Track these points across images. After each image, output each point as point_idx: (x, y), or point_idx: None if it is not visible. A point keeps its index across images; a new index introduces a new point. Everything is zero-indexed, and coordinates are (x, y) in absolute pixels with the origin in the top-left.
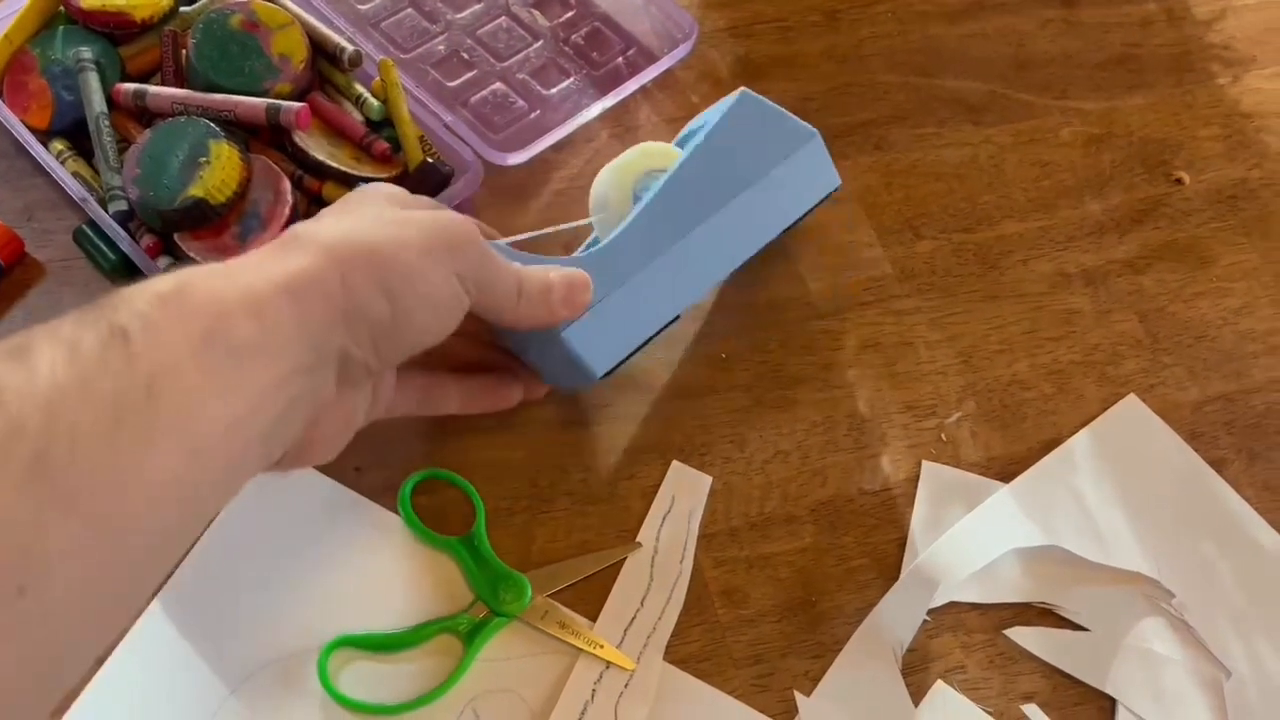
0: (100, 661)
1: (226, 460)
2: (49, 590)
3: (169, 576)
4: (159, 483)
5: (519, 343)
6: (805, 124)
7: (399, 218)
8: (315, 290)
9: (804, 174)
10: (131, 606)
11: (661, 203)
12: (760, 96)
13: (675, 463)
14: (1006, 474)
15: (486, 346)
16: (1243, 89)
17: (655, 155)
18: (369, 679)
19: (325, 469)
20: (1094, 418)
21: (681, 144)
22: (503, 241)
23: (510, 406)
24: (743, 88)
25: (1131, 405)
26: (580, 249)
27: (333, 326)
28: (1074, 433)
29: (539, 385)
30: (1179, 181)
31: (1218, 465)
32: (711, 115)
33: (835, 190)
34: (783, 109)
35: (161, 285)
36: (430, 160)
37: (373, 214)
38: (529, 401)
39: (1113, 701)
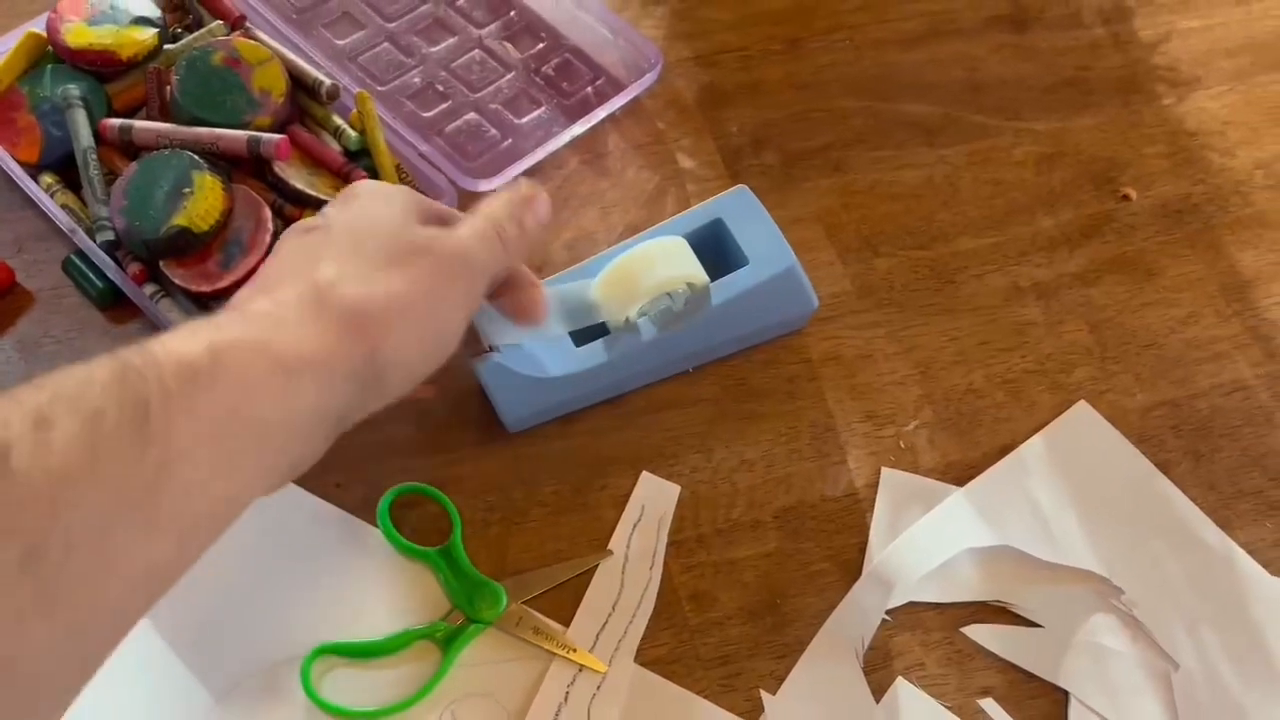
0: None
1: (218, 529)
2: (14, 678)
3: None
4: (143, 572)
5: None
6: (814, 297)
7: (418, 265)
8: (340, 370)
9: (790, 324)
10: (88, 675)
11: (664, 337)
12: (801, 272)
13: (645, 473)
14: (963, 479)
15: None
16: (1187, 108)
17: (688, 278)
18: (351, 686)
19: (307, 485)
20: (1046, 424)
21: (687, 230)
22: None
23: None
24: (794, 260)
25: (1082, 411)
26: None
27: (350, 402)
28: (1027, 438)
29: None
30: (1126, 198)
31: (1165, 467)
32: (727, 212)
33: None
34: (808, 283)
35: (193, 351)
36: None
37: (397, 263)
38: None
39: (1066, 694)
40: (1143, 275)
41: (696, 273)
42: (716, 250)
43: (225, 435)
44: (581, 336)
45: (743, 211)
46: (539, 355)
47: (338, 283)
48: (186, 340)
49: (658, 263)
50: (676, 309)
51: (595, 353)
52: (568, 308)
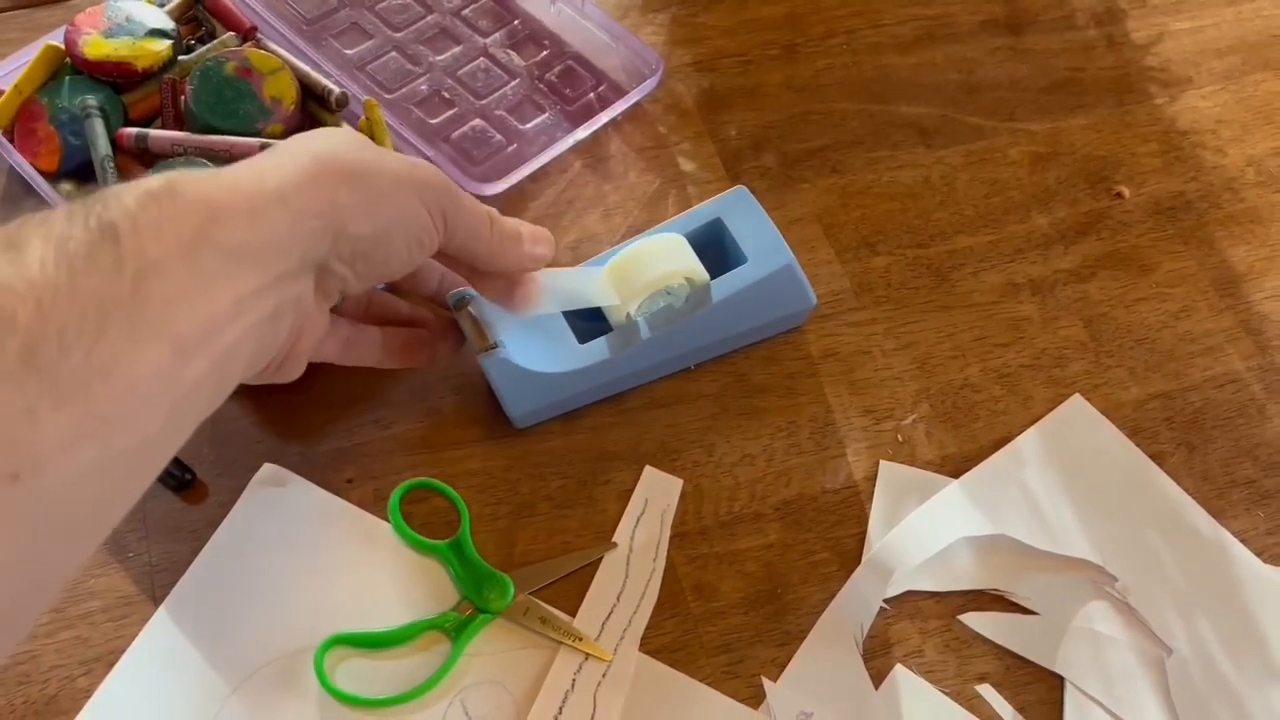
0: (110, 665)
1: (213, 360)
2: (42, 480)
3: (173, 586)
4: (146, 379)
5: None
6: (812, 294)
7: (377, 149)
8: (308, 199)
9: (789, 320)
10: (123, 505)
11: (665, 334)
12: (799, 270)
13: (648, 468)
14: (960, 471)
15: (414, 305)
16: (1179, 108)
17: (688, 273)
18: (363, 675)
19: (319, 481)
20: (1041, 417)
21: (686, 229)
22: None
23: (426, 365)
24: (791, 257)
25: (1077, 404)
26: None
27: (321, 236)
28: (1023, 431)
29: (453, 343)
30: (1120, 195)
31: (1158, 458)
32: (726, 212)
33: (810, 309)
34: (805, 280)
35: (152, 184)
36: None
37: (354, 142)
38: (442, 356)
39: (1061, 680)
40: (1136, 271)
41: (696, 268)
42: (716, 249)
43: (195, 255)
44: (585, 334)
45: (741, 211)
46: (543, 352)
47: (317, 142)
48: (141, 180)
49: (657, 259)
50: (677, 306)
51: (599, 349)
52: (560, 292)
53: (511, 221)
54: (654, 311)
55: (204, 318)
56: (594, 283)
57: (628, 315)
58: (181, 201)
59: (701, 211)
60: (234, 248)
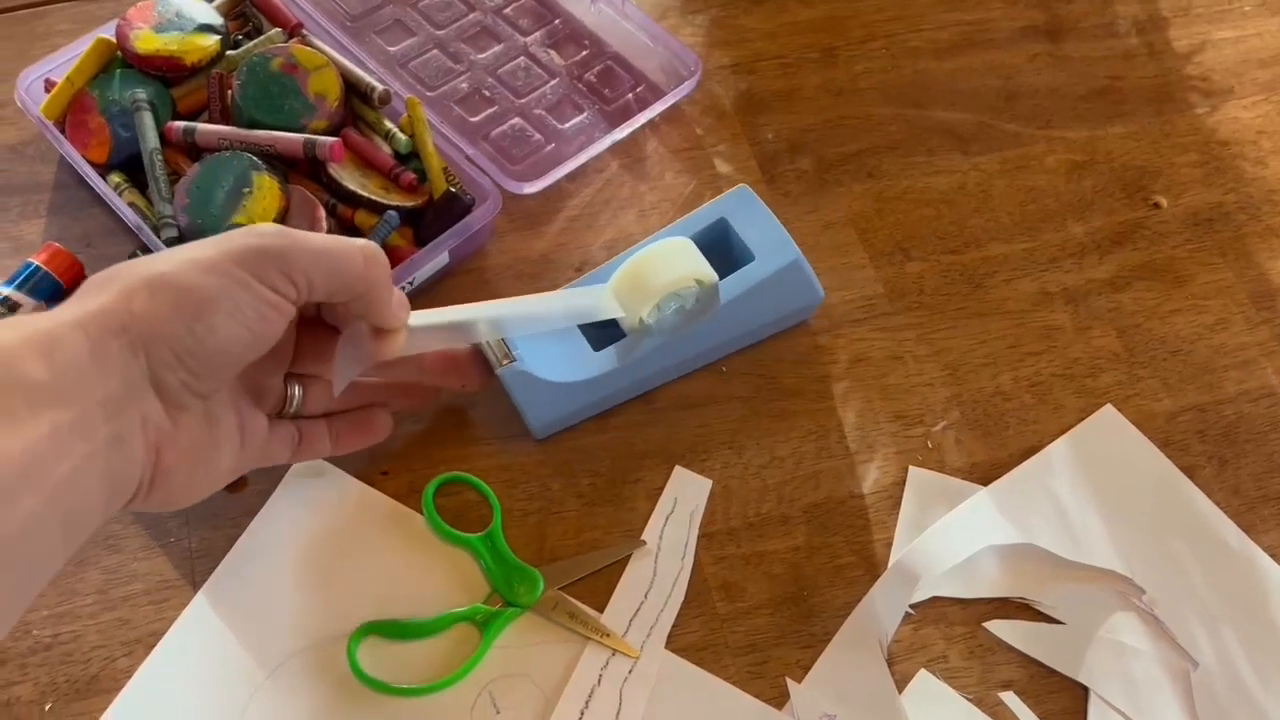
0: (150, 647)
1: (47, 496)
2: None
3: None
4: None
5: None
6: (820, 288)
7: (196, 244)
8: (105, 319)
9: (798, 315)
10: None
11: (675, 337)
12: (806, 265)
13: (678, 467)
14: (989, 479)
15: (360, 390)
16: (1220, 118)
17: (697, 276)
18: (394, 663)
19: (355, 473)
20: (1072, 427)
21: (692, 231)
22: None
23: (382, 438)
24: (798, 252)
25: (1108, 415)
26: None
27: (133, 353)
28: (1053, 440)
29: (424, 401)
30: (1157, 205)
31: (1189, 471)
32: (730, 211)
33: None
34: (813, 275)
35: None
36: (453, 190)
37: (170, 251)
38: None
39: (1085, 690)
40: (1172, 282)
41: (705, 271)
42: (723, 249)
43: None
44: (598, 341)
45: (745, 210)
46: (559, 362)
47: (133, 263)
48: None
49: (666, 263)
50: (688, 308)
51: (612, 356)
52: (433, 329)
53: (374, 245)
54: (665, 315)
55: (16, 453)
56: (594, 299)
57: (640, 320)
58: None
59: (705, 212)
60: (32, 386)
